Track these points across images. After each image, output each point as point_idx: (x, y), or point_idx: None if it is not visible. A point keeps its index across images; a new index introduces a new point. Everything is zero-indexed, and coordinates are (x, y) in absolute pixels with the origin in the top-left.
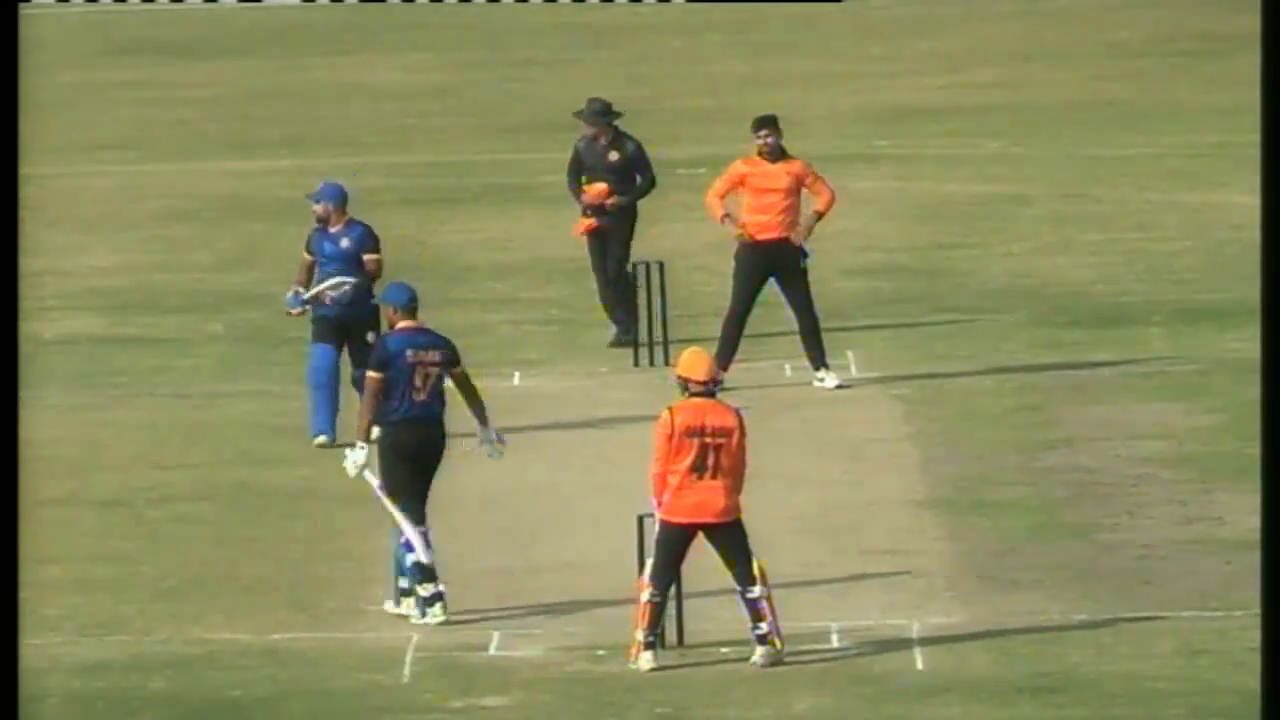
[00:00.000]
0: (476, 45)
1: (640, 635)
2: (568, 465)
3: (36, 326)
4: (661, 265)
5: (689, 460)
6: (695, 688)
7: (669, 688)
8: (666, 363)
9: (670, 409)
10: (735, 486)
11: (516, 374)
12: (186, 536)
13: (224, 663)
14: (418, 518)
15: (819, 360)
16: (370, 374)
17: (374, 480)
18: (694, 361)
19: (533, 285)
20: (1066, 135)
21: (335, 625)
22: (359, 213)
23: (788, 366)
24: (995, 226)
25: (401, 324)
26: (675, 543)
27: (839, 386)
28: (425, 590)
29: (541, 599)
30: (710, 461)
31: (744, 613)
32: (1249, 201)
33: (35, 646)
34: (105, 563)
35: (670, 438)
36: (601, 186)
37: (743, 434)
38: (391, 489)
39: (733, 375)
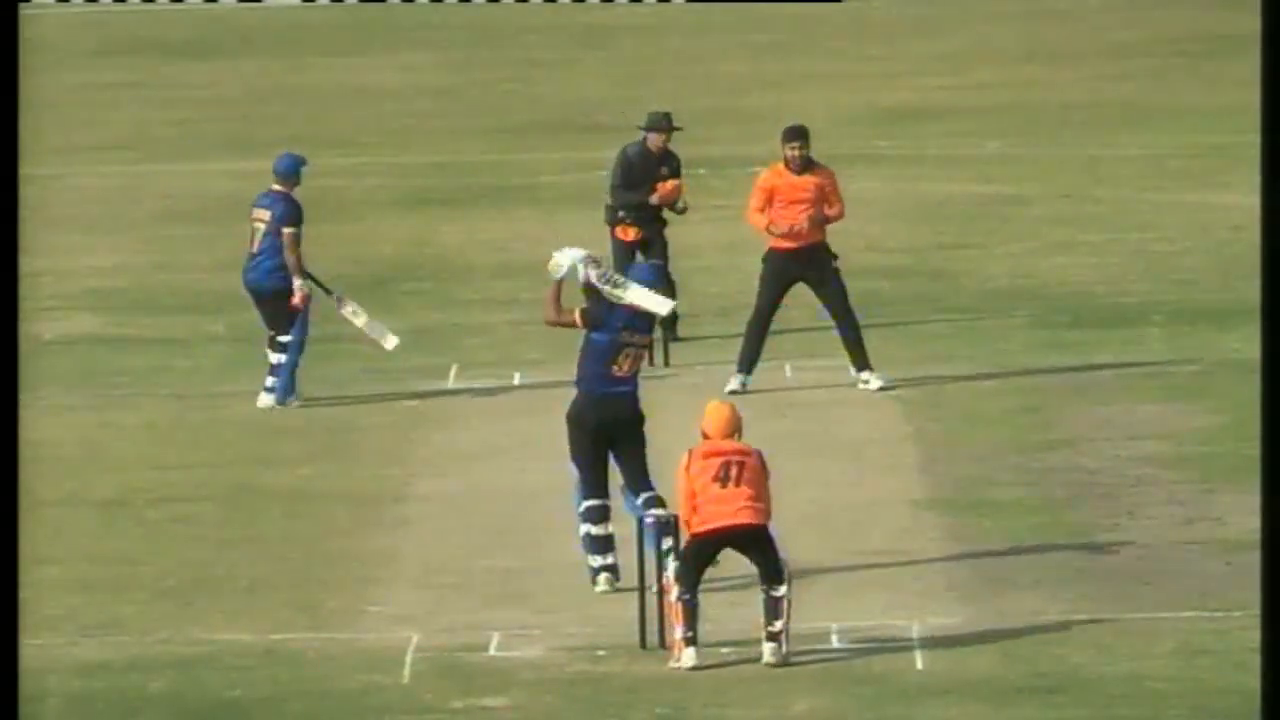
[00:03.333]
0: (476, 45)
1: (679, 633)
2: (567, 465)
3: (36, 326)
4: (662, 265)
5: (711, 474)
6: (695, 688)
7: (669, 688)
8: (667, 363)
9: (689, 451)
10: (760, 496)
11: (516, 374)
12: (186, 536)
13: (224, 663)
14: (596, 491)
15: (862, 362)
16: (578, 313)
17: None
18: (712, 417)
19: (533, 285)
20: (1066, 135)
21: (335, 625)
22: (360, 212)
23: (788, 367)
24: (995, 226)
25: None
26: (702, 553)
27: (883, 388)
28: (594, 561)
29: (541, 599)
30: (732, 473)
31: (760, 609)
32: (1249, 201)
33: (35, 646)
34: (105, 563)
35: (688, 467)
36: (676, 182)
37: (763, 463)
38: (576, 460)
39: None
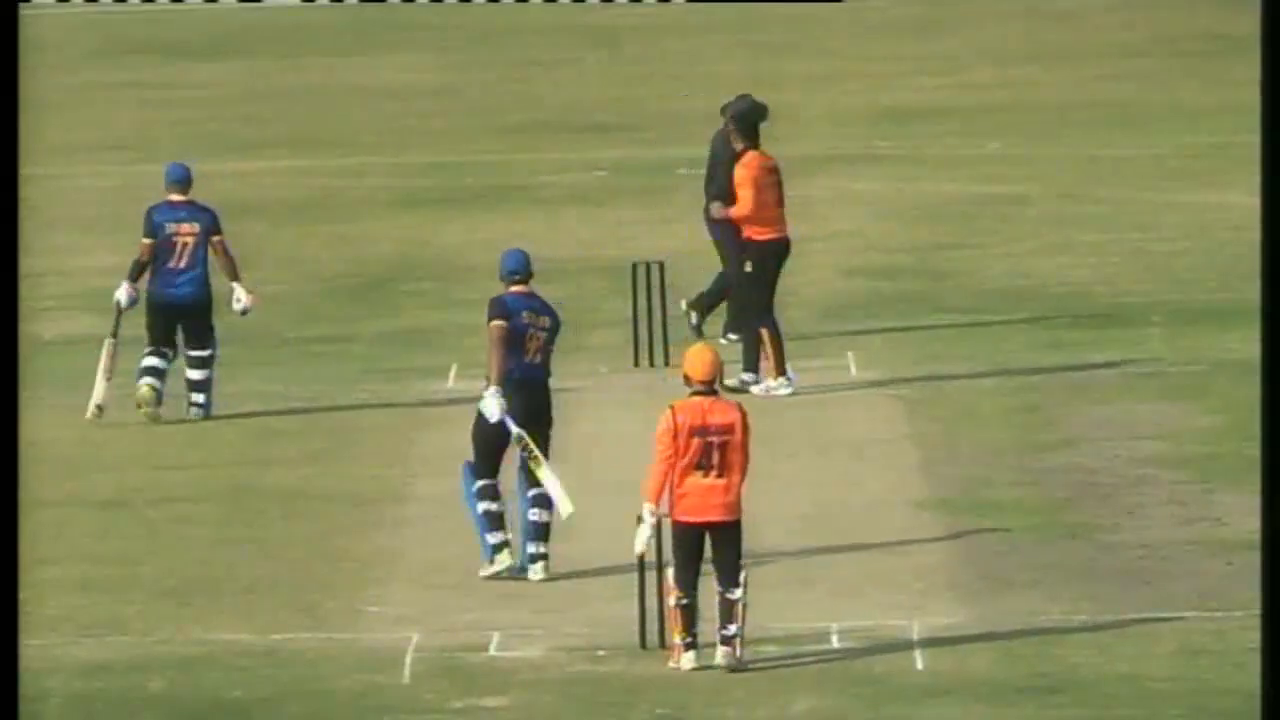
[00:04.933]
0: (476, 45)
1: (678, 638)
2: (567, 465)
3: (36, 326)
4: (662, 265)
5: (692, 459)
6: (695, 688)
7: (669, 688)
8: (666, 363)
9: (672, 407)
10: (738, 484)
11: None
12: (186, 536)
13: (224, 663)
14: (489, 472)
15: (750, 362)
16: (495, 324)
17: (514, 427)
18: (695, 360)
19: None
20: (1066, 135)
21: (335, 625)
22: (360, 212)
23: (788, 367)
24: (995, 226)
25: (515, 289)
26: (689, 542)
27: (757, 392)
28: (493, 539)
29: (541, 599)
30: (714, 459)
31: (716, 612)
32: (1249, 201)
33: (35, 647)
34: (105, 563)
35: (675, 435)
36: None
37: (746, 430)
38: (476, 441)
39: (735, 374)
